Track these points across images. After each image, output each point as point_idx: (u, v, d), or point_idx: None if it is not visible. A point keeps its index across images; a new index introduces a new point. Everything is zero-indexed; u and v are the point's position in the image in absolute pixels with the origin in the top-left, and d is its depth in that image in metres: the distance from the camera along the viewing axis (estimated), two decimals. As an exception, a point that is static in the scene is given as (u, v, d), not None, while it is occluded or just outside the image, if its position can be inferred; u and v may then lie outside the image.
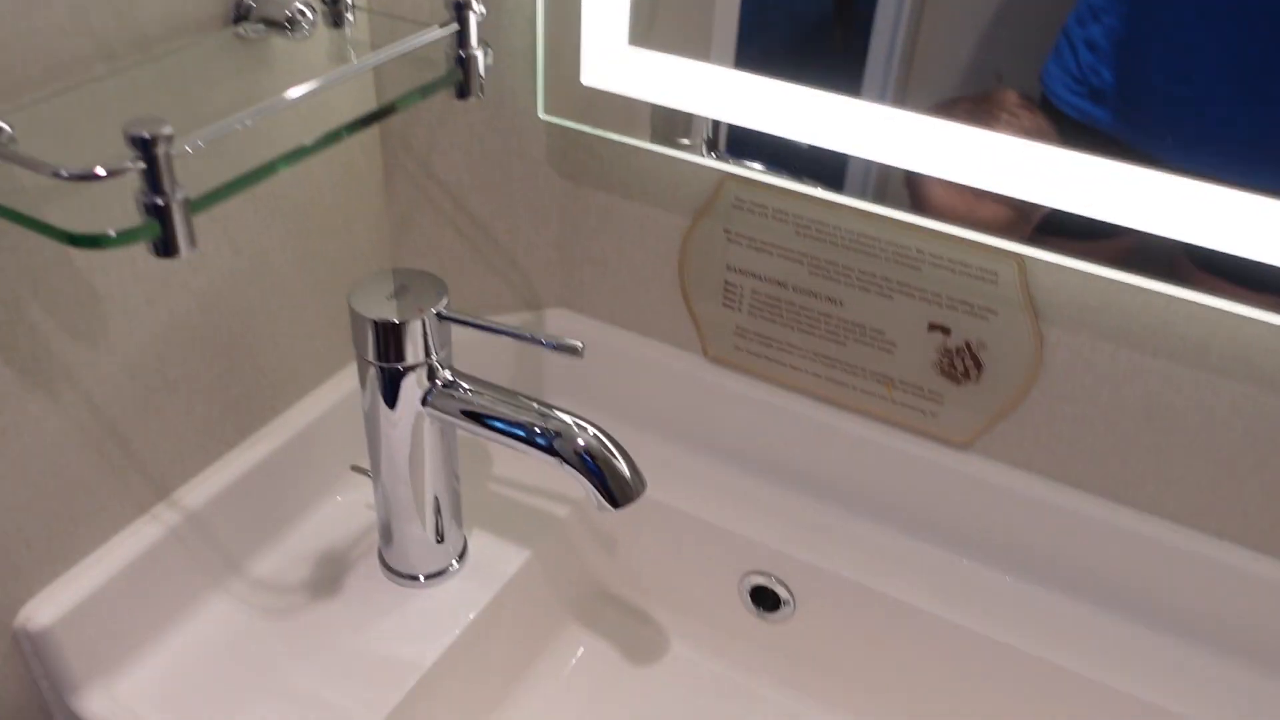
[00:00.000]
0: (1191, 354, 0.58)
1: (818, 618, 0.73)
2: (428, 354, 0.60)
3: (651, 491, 0.75)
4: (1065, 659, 0.65)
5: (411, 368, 0.60)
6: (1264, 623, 0.63)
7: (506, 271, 0.76)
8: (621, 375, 0.78)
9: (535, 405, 0.59)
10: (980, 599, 0.69)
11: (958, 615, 0.68)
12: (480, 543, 0.72)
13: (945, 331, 0.64)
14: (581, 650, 0.77)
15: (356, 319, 0.59)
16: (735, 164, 0.63)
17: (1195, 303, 0.56)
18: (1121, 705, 0.64)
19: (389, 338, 0.59)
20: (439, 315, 0.59)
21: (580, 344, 0.57)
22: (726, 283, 0.70)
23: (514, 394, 0.60)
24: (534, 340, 0.58)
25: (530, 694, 0.74)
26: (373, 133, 0.70)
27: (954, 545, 0.72)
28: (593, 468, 0.58)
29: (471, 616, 0.67)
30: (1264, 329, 0.56)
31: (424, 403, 0.61)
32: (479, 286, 0.77)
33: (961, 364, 0.65)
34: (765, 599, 0.74)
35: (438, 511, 0.66)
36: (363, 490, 0.75)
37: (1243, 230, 0.50)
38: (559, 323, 0.79)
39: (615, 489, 0.58)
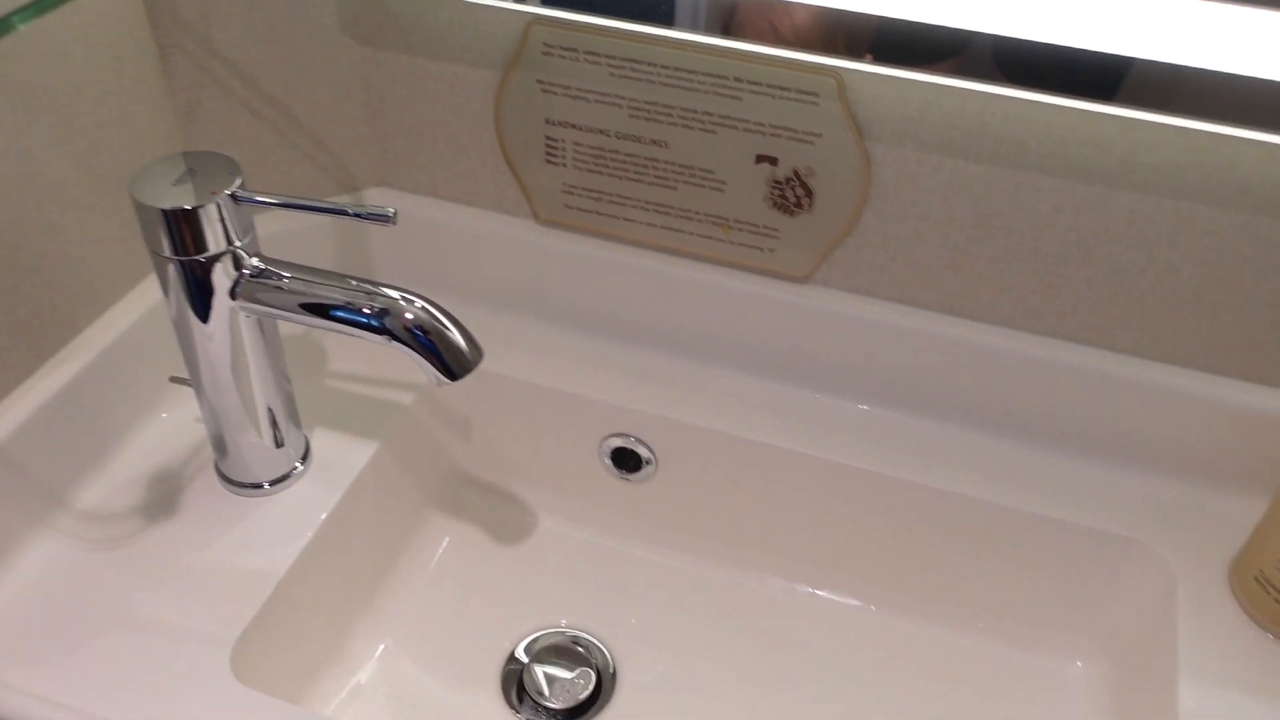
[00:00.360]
0: (1010, 155, 0.59)
1: (680, 471, 0.72)
2: (230, 241, 0.55)
3: (499, 366, 0.73)
4: (921, 475, 0.67)
5: (215, 258, 0.55)
6: (1096, 412, 0.66)
7: (314, 153, 0.71)
8: (453, 251, 0.75)
9: (355, 283, 0.56)
10: (835, 430, 0.70)
11: (816, 448, 0.68)
12: (324, 441, 0.68)
13: (773, 162, 0.63)
14: (447, 539, 0.75)
15: (143, 210, 0.54)
16: (540, 6, 0.60)
17: (1009, 99, 0.56)
18: (980, 512, 0.66)
19: (184, 227, 0.54)
20: (234, 197, 0.54)
21: (392, 210, 0.53)
22: (547, 138, 0.67)
23: (332, 274, 0.56)
24: (340, 211, 0.54)
25: (399, 589, 0.72)
26: (137, 10, 0.63)
27: (805, 381, 0.72)
28: (425, 342, 0.55)
29: (323, 516, 0.64)
30: (1076, 119, 0.56)
31: (234, 295, 0.56)
32: (286, 172, 0.71)
33: (793, 194, 0.64)
34: (627, 460, 0.73)
35: (272, 415, 0.63)
36: (190, 403, 0.70)
37: (1049, 21, 0.50)
38: (379, 202, 0.74)
39: (451, 361, 0.55)
